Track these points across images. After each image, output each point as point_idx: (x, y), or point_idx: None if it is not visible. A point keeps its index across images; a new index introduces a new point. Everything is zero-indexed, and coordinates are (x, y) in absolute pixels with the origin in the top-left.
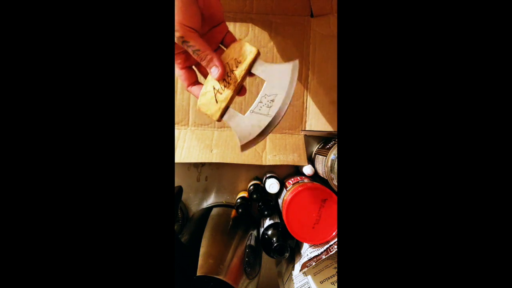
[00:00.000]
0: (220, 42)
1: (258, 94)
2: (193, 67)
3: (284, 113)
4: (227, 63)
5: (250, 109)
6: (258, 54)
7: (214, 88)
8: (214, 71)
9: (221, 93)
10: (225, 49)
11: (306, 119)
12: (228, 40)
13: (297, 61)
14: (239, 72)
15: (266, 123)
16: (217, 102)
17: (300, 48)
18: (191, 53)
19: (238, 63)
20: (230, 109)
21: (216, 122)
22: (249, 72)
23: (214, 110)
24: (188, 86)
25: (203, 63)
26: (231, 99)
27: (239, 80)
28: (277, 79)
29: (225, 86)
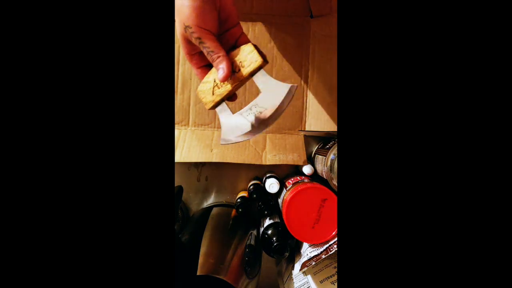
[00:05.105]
0: (234, 43)
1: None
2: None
3: (266, 127)
4: (233, 62)
5: (240, 111)
6: (262, 64)
7: (214, 81)
8: (220, 72)
9: (219, 88)
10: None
11: (306, 119)
12: (241, 41)
13: (295, 86)
14: (239, 75)
15: (247, 130)
16: (213, 94)
17: (300, 48)
18: (205, 53)
19: (241, 67)
20: (224, 103)
21: (217, 122)
22: (249, 78)
23: (209, 100)
24: None
25: (214, 64)
26: (226, 95)
27: (237, 83)
28: (271, 94)
29: (223, 84)
